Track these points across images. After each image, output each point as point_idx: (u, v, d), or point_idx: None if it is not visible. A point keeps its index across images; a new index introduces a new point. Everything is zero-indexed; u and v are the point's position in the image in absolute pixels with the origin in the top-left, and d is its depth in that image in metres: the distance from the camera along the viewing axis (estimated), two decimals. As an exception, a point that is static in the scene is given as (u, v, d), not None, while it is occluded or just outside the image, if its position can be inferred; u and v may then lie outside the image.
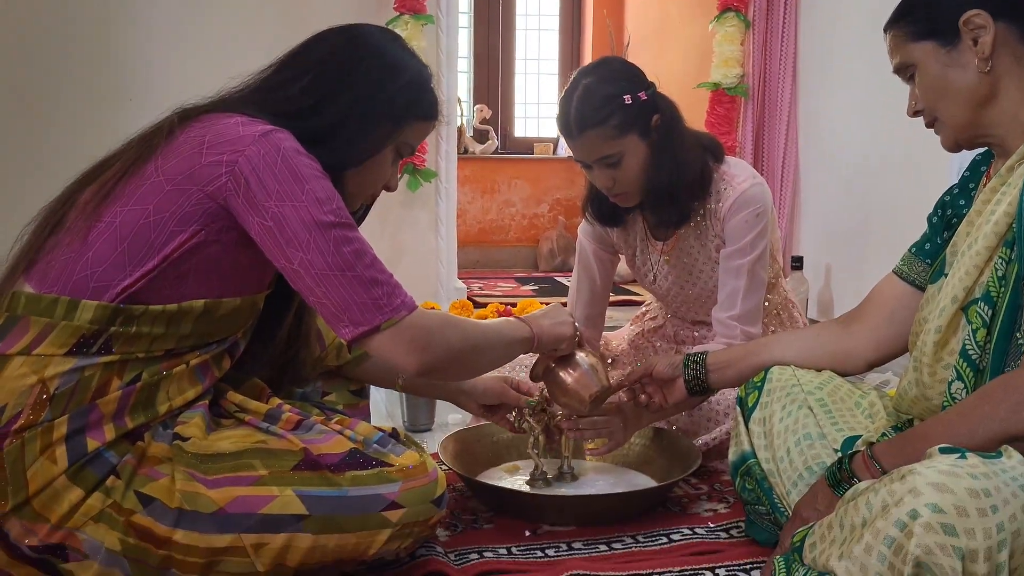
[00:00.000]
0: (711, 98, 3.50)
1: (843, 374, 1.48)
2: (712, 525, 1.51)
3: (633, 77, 1.77)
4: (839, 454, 1.26)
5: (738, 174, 1.85)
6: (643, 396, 1.61)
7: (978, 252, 1.19)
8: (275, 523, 1.15)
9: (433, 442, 1.80)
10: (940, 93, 1.25)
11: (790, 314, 2.08)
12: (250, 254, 1.21)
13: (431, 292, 3.36)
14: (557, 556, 1.39)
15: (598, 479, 1.70)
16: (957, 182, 1.38)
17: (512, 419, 1.64)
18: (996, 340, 1.16)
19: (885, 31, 1.31)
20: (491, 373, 1.59)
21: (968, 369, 1.19)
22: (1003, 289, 1.16)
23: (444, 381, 1.65)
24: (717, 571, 1.32)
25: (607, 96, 1.72)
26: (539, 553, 1.40)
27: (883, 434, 1.31)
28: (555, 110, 1.81)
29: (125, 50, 3.02)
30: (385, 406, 2.32)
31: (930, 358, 1.24)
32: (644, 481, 1.68)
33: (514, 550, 1.41)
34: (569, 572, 1.28)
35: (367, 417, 1.57)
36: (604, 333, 2.17)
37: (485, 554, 1.38)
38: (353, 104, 1.27)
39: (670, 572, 1.31)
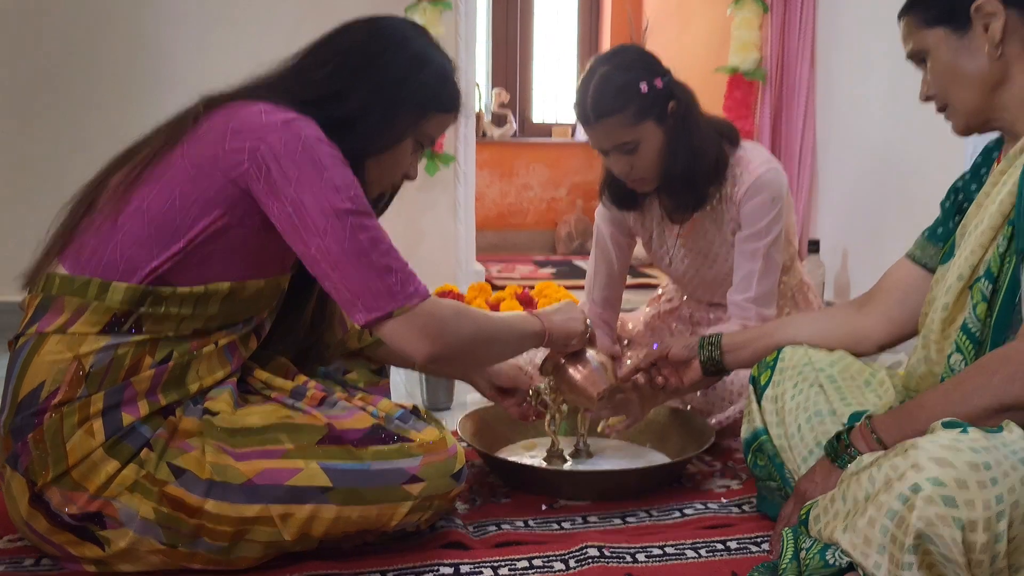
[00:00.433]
0: (729, 82, 3.50)
1: (855, 355, 1.50)
2: (725, 500, 1.55)
3: (649, 65, 1.79)
4: (843, 428, 1.29)
5: (753, 159, 1.87)
6: (660, 379, 1.64)
7: (983, 232, 1.22)
8: (301, 494, 1.20)
9: (452, 420, 1.84)
10: (952, 78, 1.28)
11: (805, 296, 2.10)
12: (272, 238, 1.24)
13: (449, 275, 3.39)
14: (573, 529, 1.43)
15: (614, 456, 1.74)
16: (969, 168, 1.40)
17: (529, 399, 1.68)
18: (997, 314, 1.19)
19: (899, 18, 1.33)
20: None
21: (968, 342, 1.22)
22: (1005, 265, 1.19)
23: (456, 368, 1.68)
24: (728, 544, 1.36)
25: (623, 84, 1.74)
26: (555, 526, 1.44)
27: (890, 407, 1.34)
28: (573, 95, 1.83)
29: (154, 37, 3.08)
30: (405, 386, 2.37)
31: (937, 335, 1.27)
32: (659, 458, 1.72)
33: (531, 523, 1.45)
34: (584, 544, 1.32)
35: (387, 395, 1.61)
36: (621, 315, 2.21)
37: (503, 526, 1.43)
38: (376, 94, 1.30)
39: (683, 544, 1.34)
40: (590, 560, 1.27)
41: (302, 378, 1.37)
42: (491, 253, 5.22)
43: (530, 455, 1.73)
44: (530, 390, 1.67)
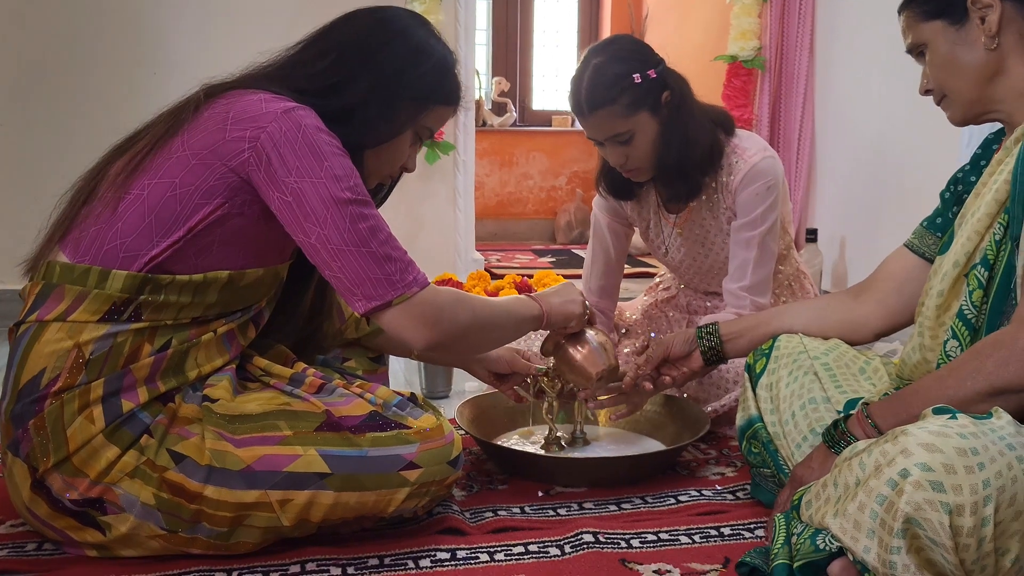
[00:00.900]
0: (728, 71, 3.50)
1: (852, 343, 1.52)
2: (719, 487, 1.56)
3: (642, 55, 1.79)
4: (840, 415, 1.31)
5: (749, 147, 1.87)
6: (667, 378, 1.65)
7: (979, 219, 1.24)
8: (299, 480, 1.21)
9: (450, 408, 1.85)
10: (949, 70, 1.30)
11: (801, 285, 2.11)
12: (272, 227, 1.25)
13: (449, 264, 3.40)
14: (569, 515, 1.44)
15: (610, 443, 1.75)
16: (969, 160, 1.41)
17: (527, 385, 1.69)
18: (992, 300, 1.21)
19: (899, 12, 1.36)
20: None
21: (964, 328, 1.23)
22: (1001, 252, 1.20)
23: (454, 356, 1.69)
24: (722, 530, 1.37)
25: (617, 75, 1.74)
26: (551, 512, 1.45)
27: (884, 394, 1.35)
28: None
29: (153, 26, 3.08)
30: (404, 374, 2.38)
31: (932, 321, 1.29)
32: (654, 446, 1.73)
33: (527, 509, 1.46)
34: (579, 530, 1.33)
35: (386, 382, 1.63)
36: (619, 304, 2.22)
37: (500, 512, 1.44)
38: (376, 85, 1.30)
39: (677, 531, 1.36)
40: (585, 546, 1.29)
41: (301, 365, 1.38)
42: (490, 242, 5.23)
43: (527, 442, 1.74)
44: (527, 378, 1.69)
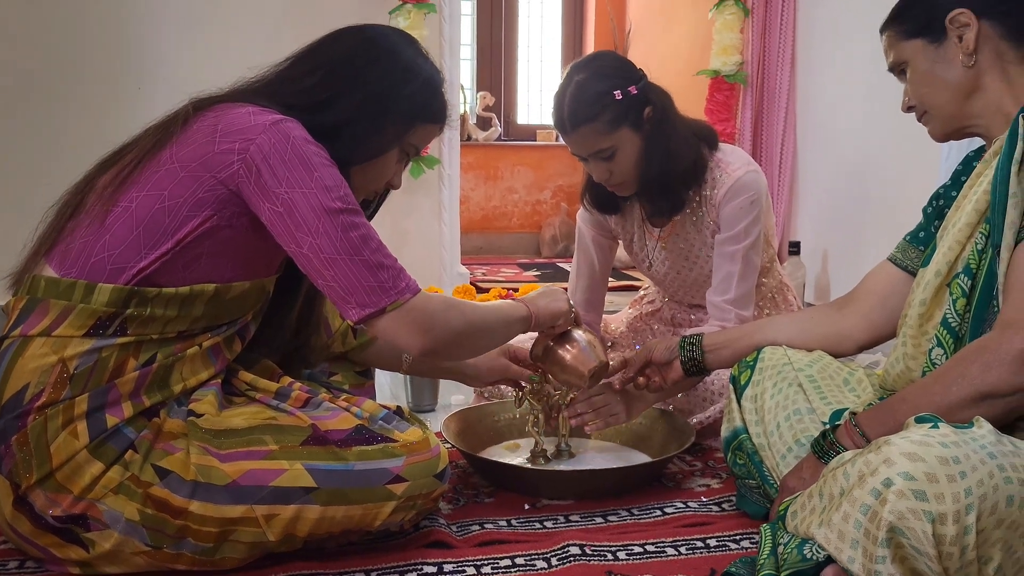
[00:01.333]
0: (711, 85, 3.53)
1: (835, 355, 1.53)
2: (705, 499, 1.57)
3: (624, 72, 1.80)
4: (827, 427, 1.32)
5: (732, 161, 1.89)
6: (641, 379, 1.67)
7: (960, 229, 1.26)
8: (285, 495, 1.21)
9: (436, 421, 1.85)
10: (929, 87, 1.33)
11: (785, 297, 2.12)
12: (260, 239, 1.25)
13: (434, 278, 3.40)
14: (555, 528, 1.44)
15: (595, 456, 1.76)
16: (950, 177, 1.44)
17: (516, 394, 1.70)
18: (975, 308, 1.23)
19: (881, 32, 1.39)
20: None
21: (948, 336, 1.25)
22: (983, 261, 1.22)
23: (447, 361, 1.70)
24: (708, 542, 1.38)
25: (598, 92, 1.75)
26: (538, 525, 1.45)
27: (869, 404, 1.36)
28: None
29: (137, 39, 3.07)
30: (390, 388, 2.38)
31: (915, 330, 1.31)
32: (640, 458, 1.74)
33: (514, 522, 1.46)
34: (566, 542, 1.33)
35: (372, 396, 1.63)
36: (604, 316, 2.23)
37: (486, 526, 1.44)
38: (364, 103, 1.31)
39: (663, 543, 1.36)
40: (572, 559, 1.29)
41: (287, 380, 1.38)
42: (476, 256, 5.24)
43: (513, 455, 1.74)
44: (515, 391, 1.69)
